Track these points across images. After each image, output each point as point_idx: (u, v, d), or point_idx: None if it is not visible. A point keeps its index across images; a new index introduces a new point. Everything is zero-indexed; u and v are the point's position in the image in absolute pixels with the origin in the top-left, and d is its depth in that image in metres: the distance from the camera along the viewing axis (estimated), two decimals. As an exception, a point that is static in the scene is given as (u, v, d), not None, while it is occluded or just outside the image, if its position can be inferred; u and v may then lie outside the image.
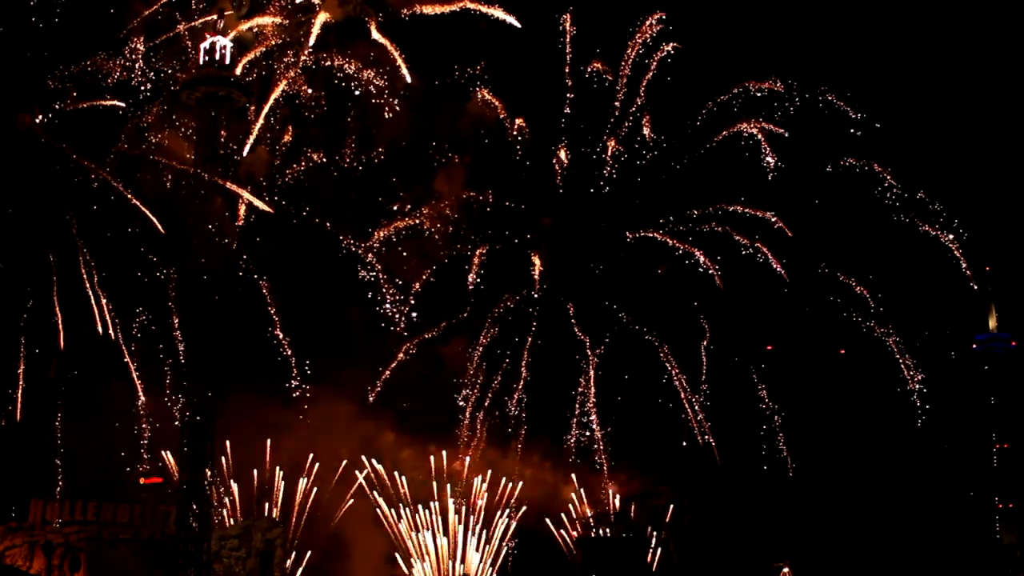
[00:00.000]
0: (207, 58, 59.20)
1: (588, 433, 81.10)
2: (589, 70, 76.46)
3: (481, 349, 78.14)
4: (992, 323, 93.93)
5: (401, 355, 76.45)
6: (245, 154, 65.75)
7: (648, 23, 76.22)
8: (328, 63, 69.79)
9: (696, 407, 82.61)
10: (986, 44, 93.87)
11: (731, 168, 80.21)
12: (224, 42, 59.24)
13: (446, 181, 76.59)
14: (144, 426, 72.59)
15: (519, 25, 70.83)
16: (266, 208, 68.28)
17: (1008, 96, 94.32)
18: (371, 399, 77.17)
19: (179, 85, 59.85)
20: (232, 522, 70.86)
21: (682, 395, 79.82)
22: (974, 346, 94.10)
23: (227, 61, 59.36)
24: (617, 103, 77.20)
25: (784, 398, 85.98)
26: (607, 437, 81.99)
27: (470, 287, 76.19)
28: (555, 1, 76.56)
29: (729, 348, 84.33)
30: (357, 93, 71.33)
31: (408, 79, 70.06)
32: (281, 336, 75.07)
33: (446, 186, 76.26)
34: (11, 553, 59.92)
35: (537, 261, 77.09)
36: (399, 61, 69.32)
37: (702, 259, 78.62)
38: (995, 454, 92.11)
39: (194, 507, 56.20)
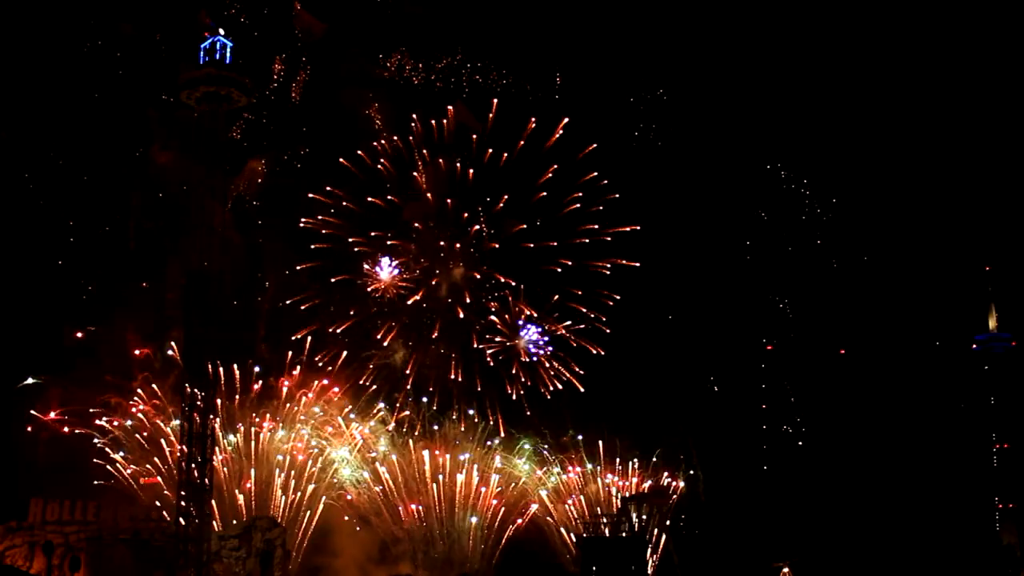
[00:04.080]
0: (207, 58, 58.91)
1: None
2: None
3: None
4: (992, 323, 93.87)
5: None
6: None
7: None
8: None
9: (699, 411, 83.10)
10: (988, 43, 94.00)
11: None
12: (224, 41, 58.96)
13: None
14: (143, 426, 72.85)
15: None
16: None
17: (1010, 98, 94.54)
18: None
19: (179, 84, 59.55)
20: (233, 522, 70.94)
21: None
22: (974, 346, 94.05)
23: (227, 60, 59.06)
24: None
25: (784, 399, 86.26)
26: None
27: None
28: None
29: (729, 350, 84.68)
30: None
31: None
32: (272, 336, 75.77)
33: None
34: (11, 553, 59.81)
35: None
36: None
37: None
38: (995, 454, 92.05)
39: (194, 507, 56.16)
